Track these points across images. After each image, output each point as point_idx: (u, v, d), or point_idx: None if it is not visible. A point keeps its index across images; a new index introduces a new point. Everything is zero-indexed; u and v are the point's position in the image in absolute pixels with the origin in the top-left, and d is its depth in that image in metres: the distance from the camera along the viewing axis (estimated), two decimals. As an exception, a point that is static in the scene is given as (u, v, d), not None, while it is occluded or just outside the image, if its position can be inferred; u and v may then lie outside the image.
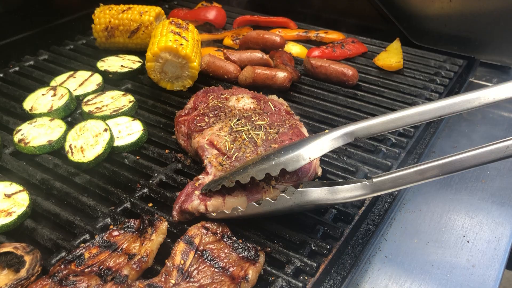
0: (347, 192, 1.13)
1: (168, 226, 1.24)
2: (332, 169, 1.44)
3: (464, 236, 1.34)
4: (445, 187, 1.50)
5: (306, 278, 1.13)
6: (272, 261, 1.17)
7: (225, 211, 1.20)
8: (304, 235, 1.22)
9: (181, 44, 1.71)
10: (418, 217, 1.40)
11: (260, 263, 1.12)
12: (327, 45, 2.07)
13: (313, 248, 1.20)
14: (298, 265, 1.15)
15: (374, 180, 1.10)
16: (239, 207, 1.19)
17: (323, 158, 1.49)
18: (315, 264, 1.14)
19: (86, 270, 1.08)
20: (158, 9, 2.02)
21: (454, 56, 2.08)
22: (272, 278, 1.12)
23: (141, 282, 1.03)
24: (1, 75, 1.90)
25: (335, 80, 1.84)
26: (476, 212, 1.41)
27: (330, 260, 1.18)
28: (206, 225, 1.19)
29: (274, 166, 1.15)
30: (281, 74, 1.76)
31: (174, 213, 1.24)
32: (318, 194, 1.14)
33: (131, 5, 2.02)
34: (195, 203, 1.21)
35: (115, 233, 1.16)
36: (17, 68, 1.95)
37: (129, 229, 1.17)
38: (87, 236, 1.21)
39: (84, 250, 1.12)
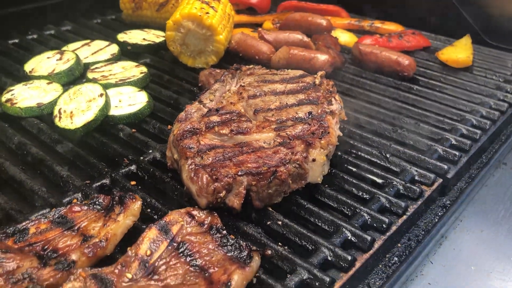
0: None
1: (149, 211, 0.99)
2: (369, 167, 1.13)
3: (541, 270, 0.99)
4: (518, 206, 1.15)
5: (313, 296, 0.83)
6: (272, 269, 0.88)
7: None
8: (321, 239, 0.91)
9: (207, 13, 1.47)
10: (478, 239, 1.06)
11: (251, 267, 0.82)
12: (382, 35, 1.77)
13: (329, 257, 0.89)
14: (304, 277, 0.85)
15: None
16: None
17: (358, 152, 1.18)
18: (328, 279, 0.84)
19: (26, 248, 0.83)
20: (192, -18, 1.81)
21: (538, 59, 1.71)
22: (266, 290, 0.82)
23: (85, 271, 0.77)
24: (16, 40, 1.74)
25: (387, 70, 1.54)
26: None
27: (350, 278, 0.87)
28: (192, 212, 0.91)
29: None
30: (321, 57, 1.48)
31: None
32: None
33: (163, -23, 1.82)
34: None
35: (76, 208, 0.91)
36: (35, 36, 1.79)
37: (95, 206, 0.92)
38: (47, 210, 0.97)
39: (31, 223, 0.87)
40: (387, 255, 0.98)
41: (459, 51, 1.65)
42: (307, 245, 0.92)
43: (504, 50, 1.78)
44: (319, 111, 1.12)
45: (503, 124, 1.37)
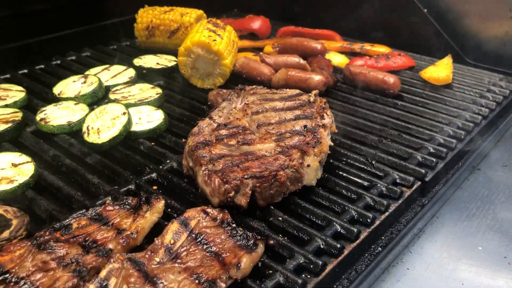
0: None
1: (169, 210, 1.16)
2: (357, 172, 1.30)
3: (505, 257, 1.16)
4: (488, 204, 1.32)
5: (308, 276, 1.00)
6: (274, 255, 1.05)
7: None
8: (315, 231, 1.09)
9: (214, 40, 1.67)
10: (451, 232, 1.23)
11: (257, 253, 1.00)
12: (372, 57, 1.96)
13: (322, 246, 1.06)
14: (301, 261, 1.02)
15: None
16: None
17: (347, 159, 1.36)
18: (320, 263, 1.01)
19: (71, 239, 1.01)
20: (199, 11, 2.01)
21: (513, 76, 1.90)
22: (270, 271, 0.99)
23: (122, 255, 0.94)
24: (42, 66, 1.94)
25: (375, 88, 1.72)
26: (522, 233, 1.22)
27: (340, 263, 1.04)
28: (206, 209, 1.09)
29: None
30: (315, 77, 1.67)
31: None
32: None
33: (174, 7, 2.03)
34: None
35: (109, 207, 1.09)
36: (58, 62, 1.99)
37: (125, 206, 1.10)
38: (84, 211, 1.14)
39: (73, 220, 1.05)
40: (372, 246, 1.15)
41: (440, 70, 1.84)
42: (303, 236, 1.09)
43: (482, 68, 1.96)
44: (313, 125, 1.30)
45: (477, 134, 1.55)
